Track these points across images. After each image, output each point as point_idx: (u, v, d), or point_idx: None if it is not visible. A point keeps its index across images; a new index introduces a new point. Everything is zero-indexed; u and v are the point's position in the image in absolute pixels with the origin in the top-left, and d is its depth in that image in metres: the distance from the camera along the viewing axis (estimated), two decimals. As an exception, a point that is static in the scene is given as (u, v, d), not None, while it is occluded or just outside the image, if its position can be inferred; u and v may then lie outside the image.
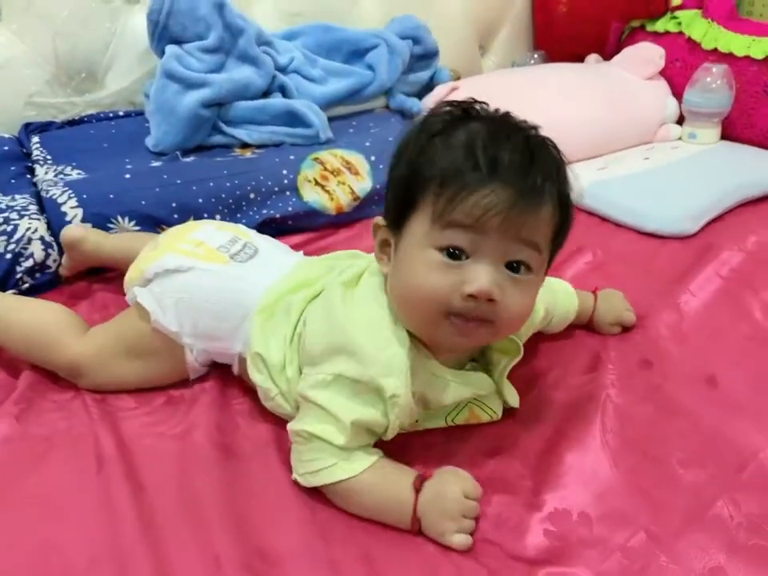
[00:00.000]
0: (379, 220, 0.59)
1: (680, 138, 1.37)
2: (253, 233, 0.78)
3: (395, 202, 0.56)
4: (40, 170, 1.04)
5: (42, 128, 1.17)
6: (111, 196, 0.94)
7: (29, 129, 1.15)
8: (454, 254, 0.52)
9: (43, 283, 0.89)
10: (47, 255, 0.89)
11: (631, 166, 1.23)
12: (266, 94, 1.19)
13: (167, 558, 0.51)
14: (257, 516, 0.55)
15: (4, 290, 0.86)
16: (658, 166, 1.24)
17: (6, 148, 1.07)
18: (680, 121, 1.38)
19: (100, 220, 0.92)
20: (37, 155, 1.08)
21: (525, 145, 0.53)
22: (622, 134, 1.33)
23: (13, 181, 1.01)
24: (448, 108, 0.57)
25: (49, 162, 1.06)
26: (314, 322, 0.60)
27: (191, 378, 0.71)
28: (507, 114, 0.58)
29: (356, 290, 0.60)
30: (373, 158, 1.11)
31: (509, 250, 0.52)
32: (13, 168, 1.04)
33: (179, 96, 1.08)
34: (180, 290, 0.68)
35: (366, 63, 1.30)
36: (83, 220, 0.91)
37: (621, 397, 0.67)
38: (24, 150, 1.10)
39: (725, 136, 1.35)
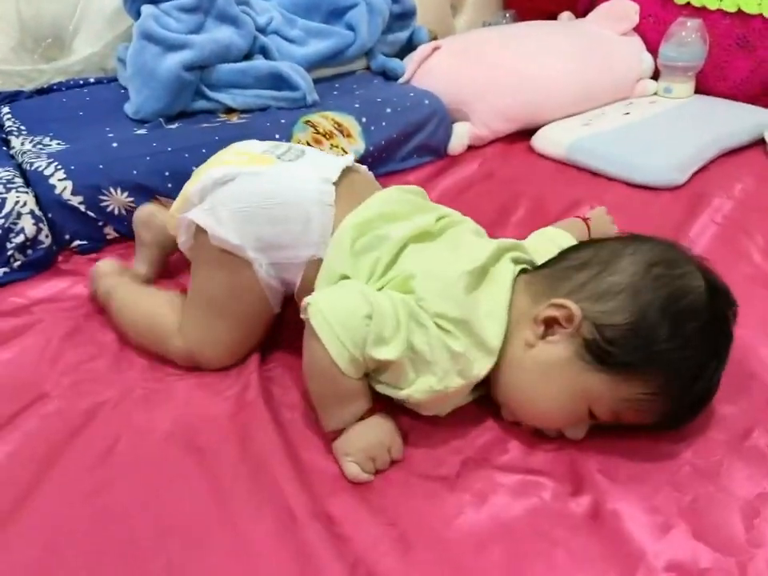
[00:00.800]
0: (576, 314, 0.54)
1: (656, 93, 1.39)
2: (296, 144, 0.74)
3: (615, 347, 0.53)
4: (16, 142, 0.98)
5: (11, 98, 1.10)
6: (101, 166, 0.90)
7: (-4, 99, 1.09)
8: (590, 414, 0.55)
9: (36, 260, 0.84)
10: (39, 230, 0.84)
11: (613, 121, 1.25)
12: (247, 56, 1.15)
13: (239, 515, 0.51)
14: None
15: (-5, 268, 0.82)
16: (639, 120, 1.26)
17: (-22, 118, 1.01)
18: (655, 76, 1.41)
19: (92, 192, 0.88)
20: (9, 126, 1.02)
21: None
22: (601, 90, 1.34)
23: (-11, 154, 0.95)
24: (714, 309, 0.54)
25: (24, 132, 1.01)
26: (434, 281, 0.56)
27: (274, 307, 0.66)
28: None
29: (494, 276, 0.58)
30: (364, 120, 1.09)
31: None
32: (-13, 140, 0.98)
33: (159, 59, 1.04)
34: (232, 199, 0.63)
35: (345, 23, 1.27)
36: (74, 192, 0.87)
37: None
38: (-5, 121, 1.04)
39: (698, 89, 1.38)
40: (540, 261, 0.63)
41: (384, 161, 1.11)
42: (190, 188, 0.68)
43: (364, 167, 0.72)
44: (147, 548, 0.49)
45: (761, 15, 1.27)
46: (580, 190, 1.05)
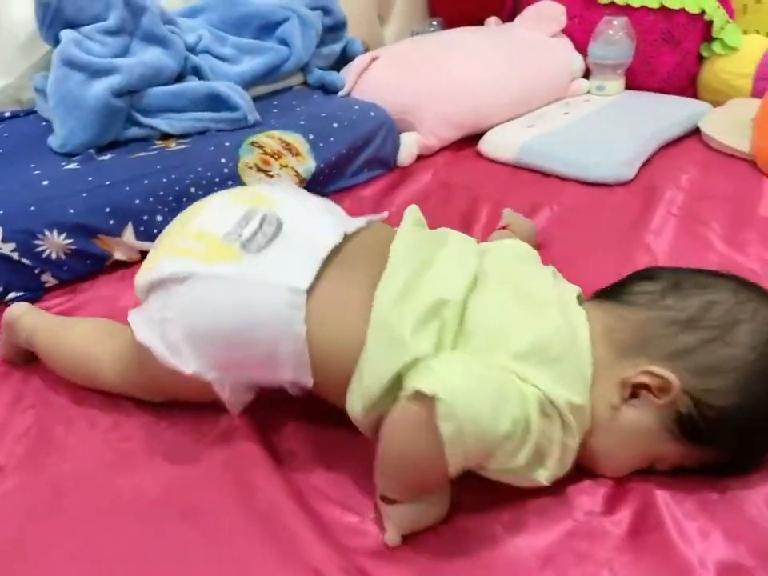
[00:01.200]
0: (675, 386, 0.48)
1: (589, 92, 1.41)
2: (278, 191, 0.60)
3: (706, 431, 0.48)
4: (-72, 187, 0.88)
5: None
6: (32, 208, 0.81)
7: None
8: None
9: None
10: (-31, 282, 0.75)
11: (555, 122, 1.26)
12: (179, 78, 1.08)
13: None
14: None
15: None
16: (579, 118, 1.27)
17: None
18: (586, 75, 1.43)
19: (24, 237, 0.79)
20: None
21: None
22: (538, 92, 1.35)
23: None
24: None
25: (-64, 175, 0.90)
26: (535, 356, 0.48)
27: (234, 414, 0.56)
28: None
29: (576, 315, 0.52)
30: (311, 137, 1.04)
31: None
32: None
33: (85, 86, 0.96)
34: (184, 312, 0.52)
35: (277, 38, 1.22)
36: (4, 239, 0.78)
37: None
38: None
39: (629, 85, 1.41)
40: None
41: (335, 177, 1.07)
42: (139, 278, 0.56)
43: (364, 219, 0.59)
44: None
45: (683, 10, 1.32)
46: (536, 191, 1.04)
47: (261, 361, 0.52)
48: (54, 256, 0.82)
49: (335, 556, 0.46)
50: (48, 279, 0.83)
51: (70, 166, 0.92)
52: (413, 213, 0.60)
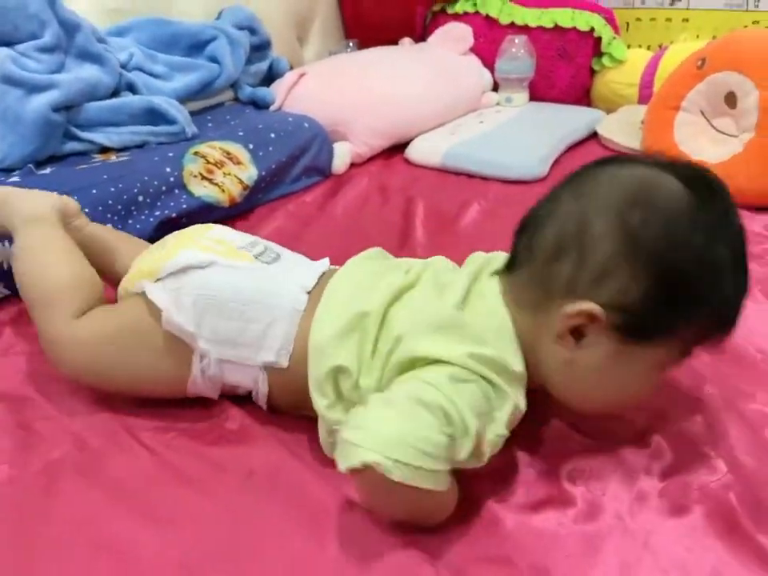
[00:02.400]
0: (599, 313, 0.48)
1: (498, 103, 1.55)
2: (273, 244, 0.69)
3: (662, 307, 0.48)
4: None
5: None
6: (-19, 218, 0.81)
7: None
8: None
9: None
10: None
11: (473, 130, 1.37)
12: (114, 93, 1.10)
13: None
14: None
15: None
16: (493, 126, 1.39)
17: None
18: (495, 88, 1.57)
19: (-24, 247, 0.80)
20: None
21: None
22: (455, 104, 1.46)
23: None
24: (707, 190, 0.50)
25: None
26: (418, 324, 0.52)
27: (187, 395, 0.61)
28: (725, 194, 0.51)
29: (474, 298, 0.53)
30: (251, 146, 1.09)
31: None
32: None
33: (23, 101, 0.96)
34: (201, 286, 0.59)
35: (207, 56, 1.27)
36: (-43, 247, 0.78)
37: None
38: None
39: (532, 97, 1.56)
40: None
41: (276, 184, 1.12)
42: (162, 261, 0.62)
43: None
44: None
45: (574, 28, 1.48)
46: (464, 190, 1.14)
47: (253, 338, 0.58)
48: (5, 266, 0.82)
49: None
50: (1, 290, 0.83)
51: (12, 179, 0.92)
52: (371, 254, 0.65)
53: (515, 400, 0.50)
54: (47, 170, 0.98)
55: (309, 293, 0.59)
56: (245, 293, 0.59)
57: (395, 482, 0.44)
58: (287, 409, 0.61)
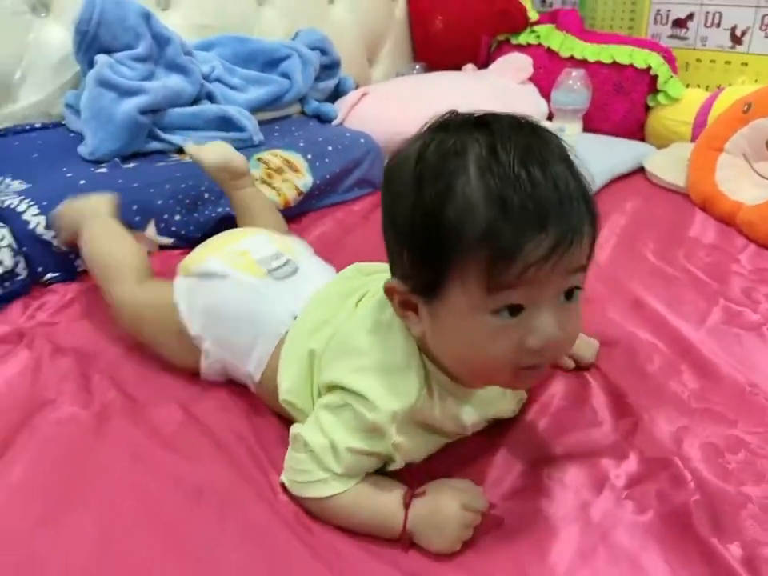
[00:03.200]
0: (396, 285, 0.51)
1: (551, 132, 1.60)
2: (300, 249, 0.76)
3: (420, 266, 0.49)
4: (-25, 183, 1.00)
5: (-39, 142, 1.12)
6: (71, 202, 0.95)
7: (-54, 144, 1.10)
8: (513, 311, 0.47)
9: (14, 291, 0.87)
10: (17, 263, 0.88)
11: (521, 156, 1.44)
12: (194, 101, 1.24)
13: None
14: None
15: (-27, 301, 0.84)
16: (542, 154, 1.45)
17: (-64, 161, 1.03)
18: (549, 118, 1.63)
19: (64, 225, 0.93)
20: (-34, 168, 1.04)
21: (549, 167, 0.46)
22: (508, 130, 1.53)
23: (-50, 194, 0.97)
24: (437, 126, 0.52)
25: (-19, 174, 1.03)
26: (329, 361, 0.58)
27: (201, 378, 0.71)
28: (503, 119, 0.51)
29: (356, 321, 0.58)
30: (309, 156, 1.20)
31: (562, 285, 0.48)
32: (-54, 181, 1.00)
33: (116, 103, 1.10)
34: (211, 295, 0.69)
35: (280, 72, 1.39)
36: (47, 227, 0.91)
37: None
38: (-49, 164, 1.05)
39: (585, 128, 1.61)
40: None
41: (329, 193, 1.22)
42: (194, 262, 0.73)
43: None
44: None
45: (632, 65, 1.53)
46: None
47: (242, 349, 0.66)
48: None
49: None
50: (80, 264, 0.95)
51: (100, 170, 1.06)
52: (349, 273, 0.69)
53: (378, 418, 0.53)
54: (131, 165, 1.11)
55: (296, 317, 0.64)
56: (241, 308, 0.67)
57: (303, 497, 0.55)
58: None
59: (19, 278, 0.88)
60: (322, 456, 0.54)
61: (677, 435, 0.65)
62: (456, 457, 0.62)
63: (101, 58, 1.11)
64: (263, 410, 0.68)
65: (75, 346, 0.78)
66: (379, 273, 0.63)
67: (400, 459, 0.55)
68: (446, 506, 0.52)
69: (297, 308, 0.65)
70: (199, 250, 0.76)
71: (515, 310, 0.47)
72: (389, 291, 0.53)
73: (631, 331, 0.83)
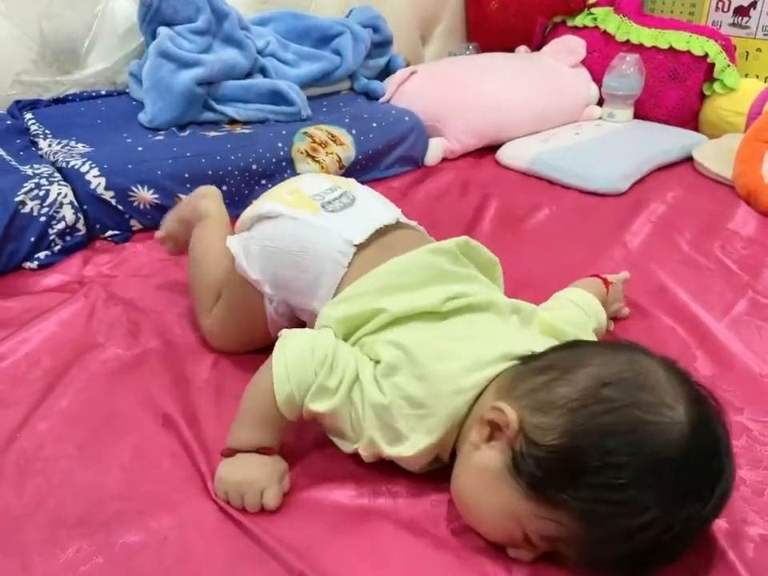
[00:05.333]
0: (512, 422, 0.48)
1: (600, 118, 1.59)
2: (354, 182, 0.74)
3: (536, 467, 0.47)
4: (44, 143, 1.09)
5: (32, 105, 1.21)
6: (129, 166, 1.02)
7: (19, 106, 1.19)
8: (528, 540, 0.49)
9: (73, 245, 0.96)
10: (77, 219, 0.96)
11: (566, 140, 1.44)
12: (248, 75, 1.29)
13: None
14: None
15: (37, 251, 0.92)
16: (588, 139, 1.45)
17: (9, 122, 1.12)
18: (600, 103, 1.61)
19: (122, 188, 1.00)
20: (35, 130, 1.13)
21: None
22: (555, 114, 1.53)
23: (21, 153, 1.06)
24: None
25: (49, 136, 1.11)
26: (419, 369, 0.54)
27: (273, 336, 0.65)
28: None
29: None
30: (354, 132, 1.24)
31: None
32: (18, 141, 1.09)
33: (174, 74, 1.17)
34: (266, 236, 0.67)
35: (332, 49, 1.43)
36: (106, 188, 0.99)
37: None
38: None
39: (637, 115, 1.59)
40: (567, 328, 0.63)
41: (371, 168, 1.26)
42: (247, 212, 0.72)
43: (414, 222, 0.71)
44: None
45: (689, 52, 1.49)
46: (540, 195, 1.22)
47: (305, 286, 0.64)
48: (141, 207, 1.02)
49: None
50: (135, 224, 1.03)
51: (157, 138, 1.13)
52: (454, 243, 0.63)
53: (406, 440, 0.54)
54: (186, 133, 1.18)
55: (357, 245, 0.63)
56: (299, 243, 0.64)
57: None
58: None
59: (79, 233, 0.96)
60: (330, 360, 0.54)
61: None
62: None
63: (163, 30, 1.18)
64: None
65: (127, 298, 0.86)
66: (482, 265, 0.64)
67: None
68: (262, 476, 0.55)
69: (355, 236, 0.63)
70: (252, 205, 0.74)
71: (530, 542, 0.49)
72: (499, 412, 0.49)
73: (651, 314, 0.84)
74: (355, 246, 0.63)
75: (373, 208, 0.69)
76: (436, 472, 0.57)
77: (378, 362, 0.56)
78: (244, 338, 0.73)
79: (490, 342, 0.56)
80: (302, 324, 0.68)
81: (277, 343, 0.57)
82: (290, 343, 0.56)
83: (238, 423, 0.58)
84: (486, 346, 0.56)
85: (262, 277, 0.67)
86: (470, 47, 1.84)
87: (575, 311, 0.70)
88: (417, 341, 0.55)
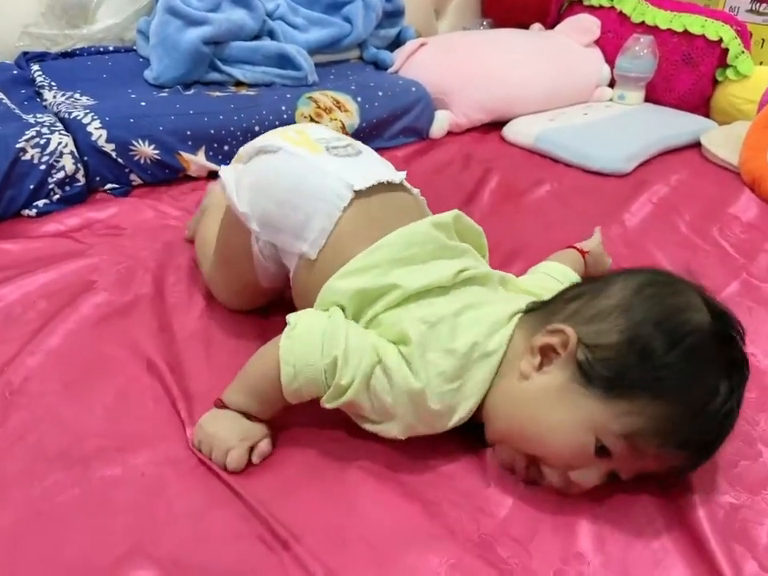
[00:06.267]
0: (571, 336, 0.52)
1: (611, 99, 1.58)
2: (360, 143, 0.71)
3: (607, 366, 0.50)
4: (48, 95, 1.09)
5: (39, 57, 1.21)
6: (131, 120, 1.02)
7: (26, 57, 1.19)
8: (601, 451, 0.51)
9: (72, 195, 0.96)
10: (77, 169, 0.96)
11: (574, 119, 1.43)
12: (256, 37, 1.28)
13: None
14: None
15: (36, 200, 0.93)
16: (596, 119, 1.44)
17: (15, 72, 1.12)
18: (611, 84, 1.60)
19: (122, 141, 1.00)
20: (41, 81, 1.13)
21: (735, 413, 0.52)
22: (565, 93, 1.52)
23: (26, 103, 1.06)
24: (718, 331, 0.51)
25: (54, 87, 1.12)
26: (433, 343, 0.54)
27: (263, 284, 0.69)
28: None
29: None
30: (359, 99, 1.23)
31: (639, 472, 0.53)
32: (23, 91, 1.10)
33: (181, 32, 1.16)
34: (261, 169, 0.64)
35: (342, 15, 1.42)
36: (108, 140, 0.99)
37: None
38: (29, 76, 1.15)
39: (648, 98, 1.57)
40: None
41: (374, 137, 1.26)
42: (247, 145, 0.69)
43: (416, 190, 0.68)
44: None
45: (703, 36, 1.47)
46: (542, 171, 1.22)
47: (294, 226, 0.61)
48: (142, 161, 1.02)
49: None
50: (135, 178, 1.03)
51: (161, 94, 1.13)
52: (451, 217, 0.63)
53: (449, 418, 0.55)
54: (191, 92, 1.18)
55: (357, 191, 0.60)
56: (295, 180, 0.61)
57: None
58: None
59: (78, 184, 0.97)
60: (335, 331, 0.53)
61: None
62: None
63: (171, -13, 1.17)
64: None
65: (125, 247, 0.86)
66: (474, 238, 0.65)
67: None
68: (232, 435, 0.55)
69: (356, 182, 0.60)
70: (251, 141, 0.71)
71: (604, 451, 0.51)
72: (556, 333, 0.53)
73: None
74: (355, 191, 0.60)
75: (377, 165, 0.67)
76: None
77: (401, 343, 0.54)
78: (233, 283, 0.71)
79: (498, 306, 0.59)
80: (285, 271, 0.66)
81: (285, 331, 0.55)
82: (298, 337, 0.54)
83: (237, 386, 0.58)
84: (497, 310, 0.58)
85: (250, 210, 0.63)
86: (484, 23, 1.82)
87: (551, 282, 0.70)
88: (438, 315, 0.55)
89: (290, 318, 0.56)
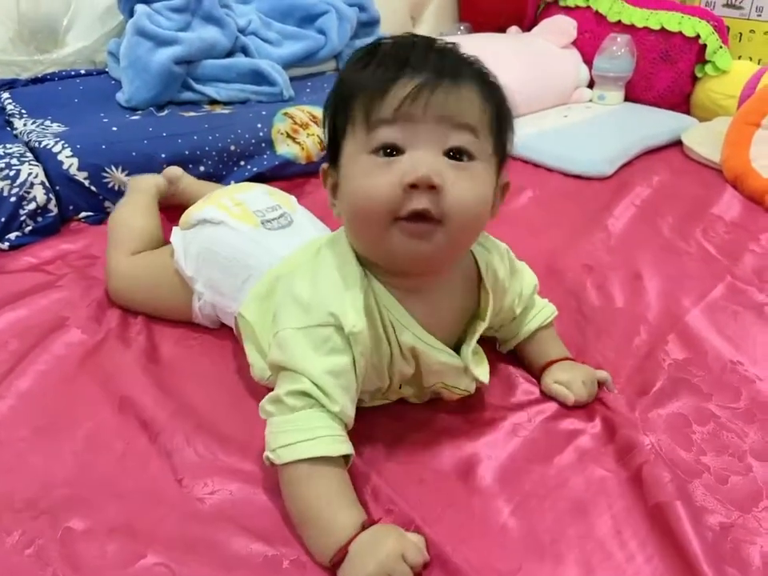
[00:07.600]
0: (325, 165, 0.58)
1: (591, 100, 1.57)
2: (295, 202, 0.79)
3: (329, 138, 0.56)
4: (18, 123, 1.08)
5: (8, 85, 1.19)
6: (103, 146, 1.00)
7: (-4, 85, 1.18)
8: (389, 151, 0.51)
9: (44, 226, 0.94)
10: (48, 200, 0.94)
11: (554, 123, 1.42)
12: (229, 54, 1.27)
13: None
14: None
15: (8, 233, 0.91)
16: (576, 122, 1.43)
17: (-17, 102, 1.10)
18: (590, 85, 1.59)
19: (95, 169, 0.98)
20: (11, 109, 1.12)
21: (435, 45, 0.54)
22: (544, 95, 1.51)
23: (-5, 132, 1.05)
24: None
25: (25, 115, 1.10)
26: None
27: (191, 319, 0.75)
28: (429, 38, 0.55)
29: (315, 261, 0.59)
30: (336, 113, 1.22)
31: (442, 137, 0.51)
32: (-8, 121, 1.08)
33: (151, 53, 1.15)
34: (206, 240, 0.72)
35: (317, 28, 1.41)
36: (79, 168, 0.97)
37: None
38: (-2, 105, 1.13)
39: (627, 98, 1.57)
40: None
41: (353, 150, 1.24)
42: (193, 211, 0.76)
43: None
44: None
45: (680, 33, 1.47)
46: (523, 177, 1.21)
47: (232, 289, 0.69)
48: (116, 188, 1.00)
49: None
50: (109, 206, 1.01)
51: (134, 117, 1.12)
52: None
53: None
54: (164, 113, 1.16)
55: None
56: (234, 251, 0.70)
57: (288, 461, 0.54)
58: None
59: (50, 214, 0.95)
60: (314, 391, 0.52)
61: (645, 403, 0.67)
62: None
63: (140, 8, 1.16)
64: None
65: (98, 279, 0.85)
66: None
67: (359, 358, 0.54)
68: (389, 545, 0.48)
69: (285, 253, 0.68)
70: (197, 203, 0.79)
71: (393, 150, 0.51)
72: (323, 174, 0.58)
73: (626, 299, 0.83)
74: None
75: (308, 230, 0.74)
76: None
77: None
78: (149, 303, 0.78)
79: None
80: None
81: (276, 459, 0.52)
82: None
83: (315, 533, 0.50)
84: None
85: (196, 274, 0.72)
86: (462, 27, 1.82)
87: None
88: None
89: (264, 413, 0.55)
